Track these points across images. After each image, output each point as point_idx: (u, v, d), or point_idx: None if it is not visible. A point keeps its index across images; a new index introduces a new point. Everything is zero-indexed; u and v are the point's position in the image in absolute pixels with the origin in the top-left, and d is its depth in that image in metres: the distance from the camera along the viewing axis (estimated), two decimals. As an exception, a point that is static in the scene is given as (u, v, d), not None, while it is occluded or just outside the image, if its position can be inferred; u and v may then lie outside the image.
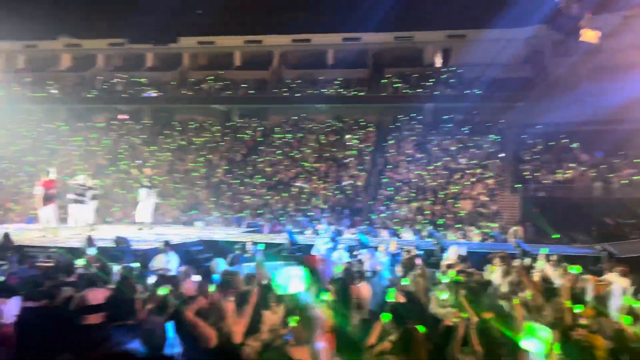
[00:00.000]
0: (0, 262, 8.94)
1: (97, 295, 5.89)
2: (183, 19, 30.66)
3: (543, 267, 8.09)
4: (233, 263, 9.82)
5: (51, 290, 6.04)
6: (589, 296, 6.61)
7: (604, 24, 19.12)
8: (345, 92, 28.42)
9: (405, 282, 7.02)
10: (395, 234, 17.78)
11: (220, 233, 15.58)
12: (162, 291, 5.39)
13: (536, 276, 7.10)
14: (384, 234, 17.59)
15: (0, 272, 7.24)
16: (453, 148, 24.97)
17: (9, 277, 6.69)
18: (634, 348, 4.48)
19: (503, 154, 24.23)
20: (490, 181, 22.58)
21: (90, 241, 9.81)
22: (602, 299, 6.33)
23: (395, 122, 27.81)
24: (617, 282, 7.36)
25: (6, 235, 10.33)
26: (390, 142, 26.43)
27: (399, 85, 27.94)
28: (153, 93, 30.01)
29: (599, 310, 5.68)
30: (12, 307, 5.90)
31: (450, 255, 9.38)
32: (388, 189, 23.03)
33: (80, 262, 7.98)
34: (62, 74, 32.39)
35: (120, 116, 31.54)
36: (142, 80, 30.91)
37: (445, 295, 6.08)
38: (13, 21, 29.41)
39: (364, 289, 6.81)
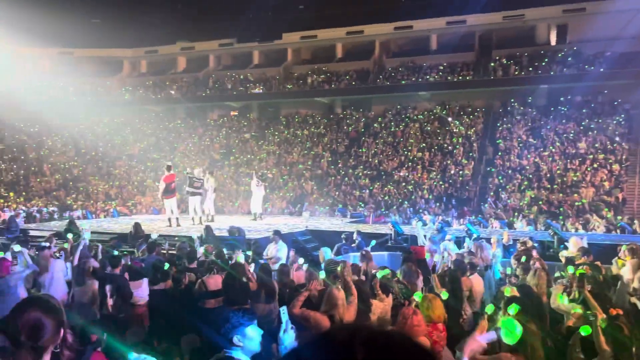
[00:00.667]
0: (131, 249, 9.91)
1: (216, 281, 6.32)
2: (286, 16, 31.48)
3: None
4: (339, 252, 9.99)
5: (176, 275, 6.56)
6: None
7: None
8: (450, 78, 27.44)
9: (519, 275, 6.65)
10: (507, 224, 16.93)
11: (326, 223, 15.90)
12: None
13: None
14: (495, 224, 16.82)
15: (132, 259, 8.01)
16: (572, 132, 23.09)
17: (133, 262, 7.37)
18: None
19: (631, 137, 21.94)
20: (615, 167, 20.58)
21: (208, 231, 10.50)
22: None
23: (506, 107, 26.33)
24: None
25: (137, 225, 11.40)
26: (500, 127, 25.10)
27: (509, 67, 26.35)
28: (259, 89, 31.27)
29: None
30: (144, 289, 6.51)
31: (571, 248, 8.70)
32: (498, 177, 21.91)
33: (200, 250, 8.59)
34: (178, 75, 34.90)
35: (231, 112, 33.33)
36: (250, 77, 32.34)
37: (566, 291, 5.66)
38: (136, 30, 32.24)
39: (475, 282, 6.57)
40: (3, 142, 30.34)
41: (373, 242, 10.14)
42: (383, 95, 29.05)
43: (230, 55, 35.10)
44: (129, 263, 7.16)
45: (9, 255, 7.36)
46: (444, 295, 4.63)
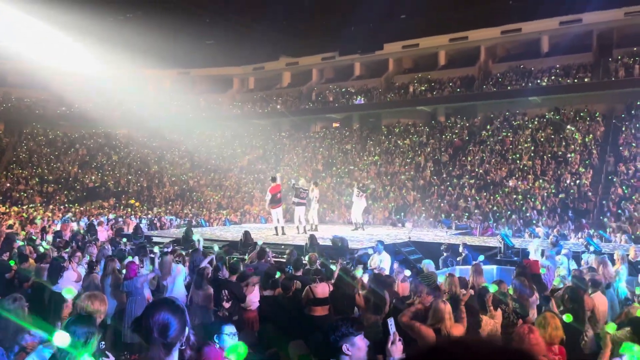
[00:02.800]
0: (242, 256, 10.45)
1: (325, 289, 6.47)
2: (387, 26, 31.50)
3: None
4: (445, 265, 9.74)
5: (285, 282, 6.81)
6: None
7: None
8: (563, 81, 25.65)
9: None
10: (634, 239, 15.38)
11: (429, 234, 15.56)
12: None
13: None
14: (620, 238, 15.37)
15: (243, 265, 8.46)
16: None
17: (246, 269, 7.77)
18: None
19: None
20: None
21: (313, 240, 10.77)
22: None
23: (630, 110, 24.02)
24: None
25: (247, 233, 12.01)
26: (623, 133, 22.94)
27: (633, 67, 24.05)
28: (361, 100, 31.54)
29: None
30: (255, 295, 6.85)
31: None
32: (622, 187, 20.00)
33: (305, 259, 8.84)
34: (283, 90, 36.34)
35: (333, 124, 33.98)
36: (351, 89, 32.76)
37: None
38: (244, 49, 34.15)
39: (599, 300, 6.06)
40: (130, 157, 33.60)
41: (482, 257, 9.73)
42: (489, 101, 27.92)
43: (332, 68, 35.87)
44: (242, 269, 7.57)
45: (137, 260, 8.13)
46: (568, 318, 4.31)
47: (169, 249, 9.15)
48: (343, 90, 32.88)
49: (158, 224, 21.75)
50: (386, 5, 27.34)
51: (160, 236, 15.18)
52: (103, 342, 3.83)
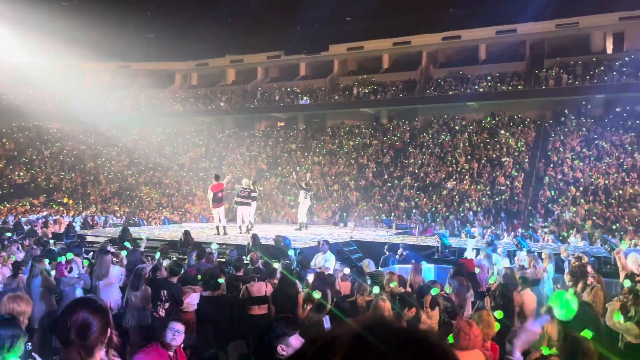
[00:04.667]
0: (182, 256, 10.21)
1: (261, 288, 6.43)
2: (333, 28, 31.77)
3: None
4: (384, 264, 9.93)
5: (230, 282, 6.71)
6: None
7: None
8: (499, 88, 26.87)
9: (572, 290, 6.41)
10: (561, 239, 16.33)
11: (371, 234, 15.82)
12: (316, 295, 5.64)
13: None
14: (548, 239, 16.26)
15: (188, 266, 8.26)
16: (629, 143, 22.08)
17: (188, 269, 7.59)
18: None
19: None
20: (678, 180, 19.49)
21: (255, 239, 10.68)
22: None
23: (558, 117, 25.49)
24: None
25: (187, 233, 11.73)
26: (552, 139, 24.31)
27: (561, 76, 25.55)
28: (306, 100, 31.63)
29: None
30: (194, 296, 6.70)
31: (629, 264, 8.29)
32: (550, 190, 21.18)
33: (246, 259, 8.75)
34: (228, 87, 35.82)
35: (278, 123, 33.87)
36: (297, 89, 32.79)
37: (622, 308, 5.41)
38: (187, 44, 33.39)
39: (527, 297, 6.38)
40: (63, 152, 32.00)
41: (424, 262, 9.99)
42: (430, 105, 28.78)
43: (277, 67, 35.74)
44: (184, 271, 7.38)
45: (76, 259, 7.74)
46: (499, 315, 4.51)
47: (112, 250, 8.74)
48: (288, 89, 32.85)
49: (92, 223, 20.86)
50: (332, 7, 27.59)
51: (95, 235, 14.55)
52: (29, 343, 3.63)
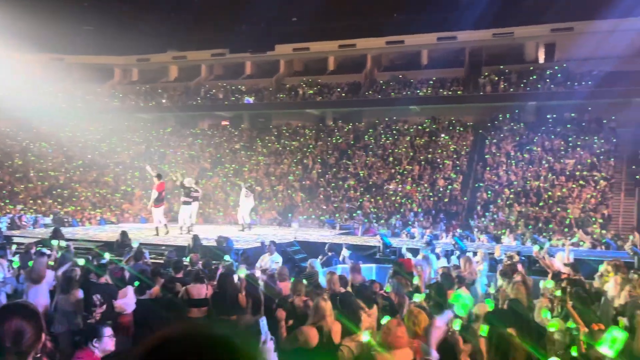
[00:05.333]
0: (119, 257, 9.82)
1: (201, 291, 6.29)
2: (279, 28, 31.67)
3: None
4: (326, 264, 9.99)
5: (167, 285, 6.51)
6: None
7: None
8: (440, 92, 27.74)
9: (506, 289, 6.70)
10: (495, 239, 17.04)
11: (315, 234, 15.89)
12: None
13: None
14: (483, 239, 16.92)
15: (114, 268, 7.93)
16: (559, 148, 23.40)
17: (114, 271, 7.29)
18: None
19: (617, 154, 22.28)
20: (602, 183, 20.85)
21: (196, 240, 10.45)
22: None
23: (495, 122, 26.63)
24: None
25: (124, 233, 11.31)
26: (488, 143, 25.36)
27: (498, 83, 26.73)
28: (251, 99, 31.34)
29: None
30: (130, 298, 6.45)
31: (556, 263, 8.78)
32: (487, 192, 22.09)
33: (186, 260, 8.54)
34: (170, 84, 34.90)
35: (222, 122, 33.34)
36: (242, 87, 32.41)
37: (549, 305, 5.71)
38: (128, 38, 32.22)
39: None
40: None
41: (348, 252, 10.16)
42: (374, 108, 29.28)
43: (222, 65, 35.21)
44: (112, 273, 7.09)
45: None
46: (434, 312, 4.60)
47: (49, 252, 8.23)
48: (233, 88, 32.43)
49: (20, 223, 19.69)
50: (278, 7, 27.49)
51: (23, 236, 13.75)
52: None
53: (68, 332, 6.28)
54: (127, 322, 6.44)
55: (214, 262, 8.61)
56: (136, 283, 6.91)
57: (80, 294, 6.34)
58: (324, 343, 4.42)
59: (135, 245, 9.24)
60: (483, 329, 4.40)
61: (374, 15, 30.18)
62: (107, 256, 8.40)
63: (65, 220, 20.60)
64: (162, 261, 9.22)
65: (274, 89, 31.94)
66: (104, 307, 6.28)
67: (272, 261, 9.19)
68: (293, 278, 6.94)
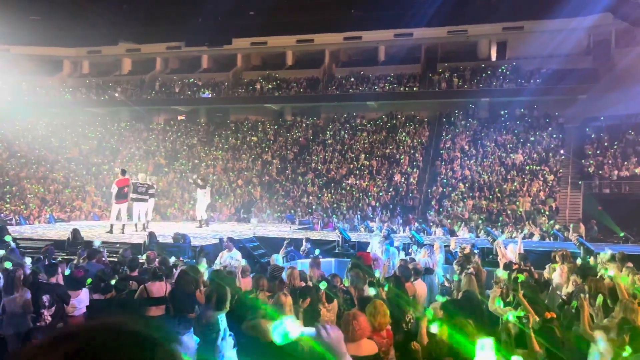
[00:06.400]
0: (71, 256, 9.50)
1: (160, 288, 6.17)
2: (236, 21, 31.22)
3: (608, 267, 7.70)
4: (287, 259, 9.99)
5: (117, 283, 6.35)
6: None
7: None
8: (397, 88, 28.14)
9: (456, 279, 6.91)
10: (450, 232, 17.48)
11: (274, 230, 15.84)
12: (322, 285, 5.64)
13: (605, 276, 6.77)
14: (439, 231, 17.32)
15: (70, 266, 7.68)
16: (510, 143, 24.21)
17: (74, 270, 7.06)
18: None
19: (564, 149, 23.27)
20: (550, 177, 21.74)
21: (152, 238, 10.23)
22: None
23: (449, 118, 27.27)
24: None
25: (75, 231, 10.93)
26: (444, 138, 25.95)
27: (452, 80, 27.36)
28: (208, 94, 30.84)
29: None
30: (82, 299, 6.26)
31: (508, 254, 9.11)
32: (442, 186, 22.62)
33: (142, 258, 8.35)
34: (123, 77, 33.88)
35: (179, 117, 32.66)
36: (198, 81, 31.85)
37: (502, 295, 5.93)
38: (78, 29, 30.99)
39: (419, 287, 6.75)
40: None
41: (317, 251, 10.19)
42: (332, 103, 29.40)
43: (178, 58, 34.46)
44: (68, 271, 6.85)
45: None
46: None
47: None
48: (190, 81, 31.82)
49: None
50: (235, 0, 27.10)
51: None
52: None
53: (16, 334, 6.03)
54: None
55: (171, 259, 8.46)
56: (88, 281, 6.71)
57: (27, 294, 6.10)
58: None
59: (97, 244, 8.97)
60: (428, 312, 4.55)
61: (331, 10, 30.19)
62: (97, 243, 8.13)
63: (12, 218, 19.71)
64: (116, 259, 8.98)
65: (232, 83, 31.55)
66: (53, 308, 6.06)
67: (230, 257, 9.10)
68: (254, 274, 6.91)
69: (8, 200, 24.71)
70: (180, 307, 6.05)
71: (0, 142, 29.60)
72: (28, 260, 7.46)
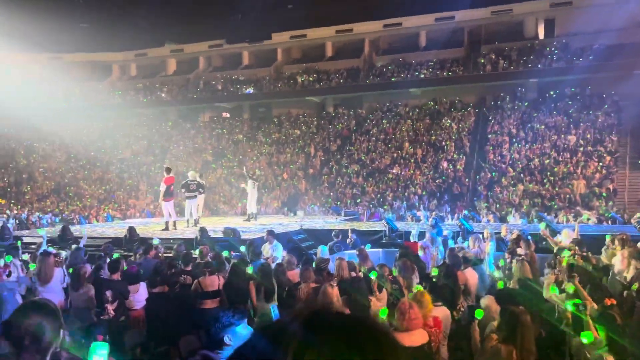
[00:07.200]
0: (128, 253, 9.91)
1: (213, 282, 6.36)
2: (275, 16, 31.45)
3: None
4: (334, 250, 10.04)
5: (173, 278, 6.58)
6: None
7: None
8: (440, 74, 27.56)
9: (510, 267, 6.75)
10: (500, 218, 17.06)
11: (320, 222, 15.94)
12: (373, 275, 5.75)
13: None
14: (489, 218, 16.94)
15: (128, 262, 8.01)
16: (562, 125, 23.30)
17: (129, 267, 7.37)
18: None
19: (620, 128, 22.17)
20: (607, 158, 20.79)
21: (203, 233, 10.52)
22: None
23: (496, 101, 26.49)
24: None
25: (131, 229, 11.39)
26: (491, 122, 25.26)
27: (498, 62, 26.53)
28: (250, 90, 31.26)
29: None
30: (141, 293, 6.53)
31: (563, 239, 8.80)
32: (491, 172, 22.06)
33: (195, 253, 8.61)
34: (168, 78, 34.83)
35: (223, 114, 33.30)
36: (241, 78, 32.31)
37: (557, 281, 5.75)
38: (124, 33, 32.09)
39: (470, 275, 6.64)
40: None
41: (368, 246, 10.17)
42: (374, 92, 29.16)
43: (220, 56, 35.07)
44: (125, 267, 7.16)
45: (1, 262, 7.33)
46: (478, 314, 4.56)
47: (54, 251, 8.29)
48: (232, 78, 32.33)
49: (28, 223, 19.85)
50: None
51: (32, 236, 13.85)
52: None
53: (82, 327, 6.37)
54: (139, 317, 6.52)
55: (223, 253, 8.67)
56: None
57: (91, 290, 6.42)
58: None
59: (156, 242, 9.30)
60: (478, 313, 4.47)
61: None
62: (155, 242, 8.55)
63: (73, 218, 20.74)
64: (171, 254, 9.29)
65: (273, 78, 31.82)
66: (116, 303, 6.36)
67: (272, 250, 9.22)
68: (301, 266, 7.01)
69: (68, 201, 26.01)
70: (233, 299, 6.23)
71: (58, 146, 31.16)
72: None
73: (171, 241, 11.05)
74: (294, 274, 6.83)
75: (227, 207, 23.43)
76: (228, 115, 33.20)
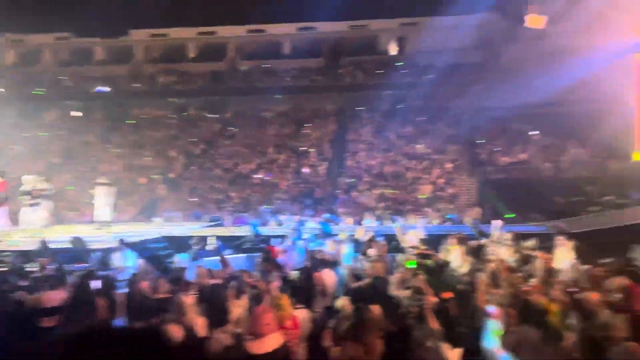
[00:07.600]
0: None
1: (53, 298, 5.76)
2: (134, 11, 29.71)
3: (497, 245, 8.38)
4: (195, 258, 9.76)
5: (4, 294, 5.86)
6: (540, 271, 6.87)
7: (550, 10, 19.84)
8: (302, 82, 28.36)
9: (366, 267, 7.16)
10: (358, 221, 17.98)
11: (181, 228, 15.35)
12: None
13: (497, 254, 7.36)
14: (347, 221, 17.76)
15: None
16: (410, 134, 25.38)
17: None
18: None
19: (459, 138, 24.82)
20: (448, 165, 23.11)
21: (44, 244, 9.52)
22: (550, 273, 6.57)
23: (354, 111, 28.00)
24: (565, 257, 7.70)
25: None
26: (349, 130, 26.61)
27: (356, 73, 28.10)
28: (105, 88, 29.10)
29: (548, 283, 5.93)
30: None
31: (410, 239, 9.56)
32: (349, 177, 23.22)
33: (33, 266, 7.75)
34: (7, 70, 30.97)
35: (72, 112, 30.49)
36: (94, 74, 29.92)
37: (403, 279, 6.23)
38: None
39: (327, 276, 6.89)
40: None
41: (228, 250, 10.07)
42: (237, 97, 29.02)
43: (69, 50, 32.13)
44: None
45: None
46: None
47: None
48: (83, 75, 29.80)
49: None
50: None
51: None
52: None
53: None
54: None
55: (68, 265, 7.93)
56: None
57: None
58: (188, 338, 4.34)
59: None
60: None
61: (233, 2, 29.74)
62: None
63: None
64: (7, 269, 8.25)
65: (131, 76, 30.00)
66: None
67: (123, 260, 8.70)
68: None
69: None
70: (76, 316, 5.70)
71: None
72: None
73: (5, 253, 9.82)
74: (145, 286, 6.49)
75: (77, 214, 21.45)
76: (80, 113, 30.46)
